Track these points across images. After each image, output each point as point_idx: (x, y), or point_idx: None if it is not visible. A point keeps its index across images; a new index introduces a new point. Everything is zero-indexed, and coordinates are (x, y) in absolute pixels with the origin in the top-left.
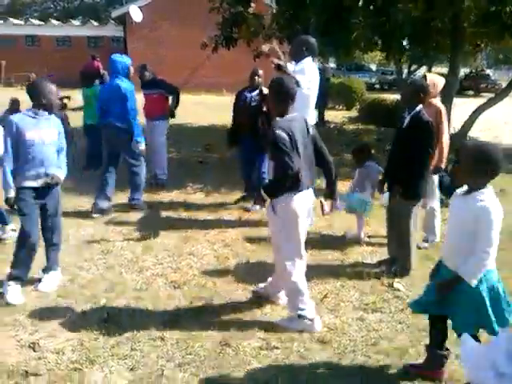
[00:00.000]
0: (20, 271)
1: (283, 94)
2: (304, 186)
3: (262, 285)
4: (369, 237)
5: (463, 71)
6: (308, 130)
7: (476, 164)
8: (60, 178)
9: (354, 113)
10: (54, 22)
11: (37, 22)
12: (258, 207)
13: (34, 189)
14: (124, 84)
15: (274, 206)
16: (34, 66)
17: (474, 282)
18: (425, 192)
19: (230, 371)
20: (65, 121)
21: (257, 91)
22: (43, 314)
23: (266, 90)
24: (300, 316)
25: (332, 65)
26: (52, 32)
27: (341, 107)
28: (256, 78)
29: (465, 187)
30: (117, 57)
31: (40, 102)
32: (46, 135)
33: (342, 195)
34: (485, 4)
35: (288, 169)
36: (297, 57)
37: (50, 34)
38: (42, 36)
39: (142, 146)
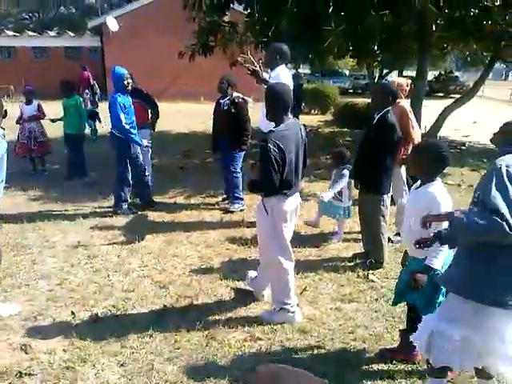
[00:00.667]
0: None
1: (278, 101)
2: (294, 191)
3: (252, 274)
4: (344, 233)
5: (433, 74)
6: (302, 134)
7: (427, 159)
8: None
9: (328, 117)
10: (30, 33)
11: (11, 33)
12: (237, 206)
13: None
14: (115, 97)
15: (266, 206)
16: (11, 78)
17: (437, 266)
18: (387, 188)
19: (217, 362)
20: None
21: (227, 97)
22: (33, 318)
23: (236, 95)
24: (282, 309)
25: (306, 71)
26: (28, 43)
27: (316, 112)
28: (221, 85)
29: (418, 182)
30: (114, 68)
31: None
32: None
33: (321, 201)
34: (448, 9)
35: (270, 181)
36: (271, 64)
37: (26, 45)
38: (19, 47)
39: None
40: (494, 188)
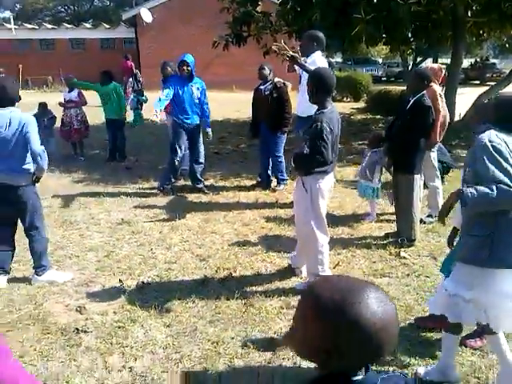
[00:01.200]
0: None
1: (324, 85)
2: (331, 169)
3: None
4: (377, 214)
5: (469, 61)
6: (339, 120)
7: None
8: None
9: (361, 104)
10: (67, 25)
11: (50, 26)
12: (282, 186)
13: None
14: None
15: (305, 183)
16: (49, 69)
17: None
18: (420, 168)
19: (255, 326)
20: None
21: (269, 82)
22: (85, 284)
23: (277, 80)
24: None
25: (338, 59)
26: (66, 35)
27: (348, 99)
28: (262, 71)
29: None
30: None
31: None
32: None
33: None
34: None
35: (323, 158)
36: (307, 51)
37: (64, 37)
38: (57, 39)
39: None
40: (487, 163)
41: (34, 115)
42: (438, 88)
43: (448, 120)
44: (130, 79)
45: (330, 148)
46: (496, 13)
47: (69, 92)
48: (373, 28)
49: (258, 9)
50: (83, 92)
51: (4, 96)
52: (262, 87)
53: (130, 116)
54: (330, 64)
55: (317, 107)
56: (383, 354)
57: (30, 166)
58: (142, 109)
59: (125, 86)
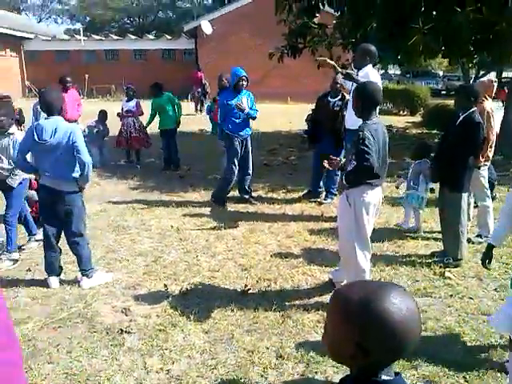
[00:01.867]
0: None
1: (369, 99)
2: (379, 182)
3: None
4: (424, 232)
5: None
6: (385, 131)
7: None
8: None
9: (417, 118)
10: (131, 36)
11: (115, 37)
12: (329, 200)
13: None
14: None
15: (349, 197)
16: (113, 79)
17: None
18: (468, 186)
19: (291, 338)
20: None
21: (339, 97)
22: (132, 287)
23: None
24: None
25: (397, 71)
26: (129, 46)
27: (405, 113)
28: (335, 85)
29: None
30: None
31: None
32: None
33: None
34: None
35: (369, 165)
36: (360, 64)
37: (127, 48)
38: (121, 50)
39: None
40: None
41: (96, 121)
42: (488, 104)
43: (493, 138)
44: (199, 89)
45: (376, 158)
46: None
47: (127, 101)
48: (430, 39)
49: (315, 20)
50: (141, 103)
51: (50, 106)
52: (331, 100)
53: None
54: (389, 76)
55: (362, 120)
56: (407, 349)
57: (77, 174)
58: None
59: (193, 95)
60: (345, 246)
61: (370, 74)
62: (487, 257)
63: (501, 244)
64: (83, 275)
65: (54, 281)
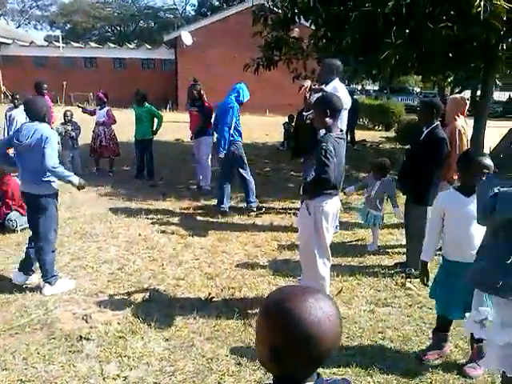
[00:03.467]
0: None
1: (331, 110)
2: (336, 193)
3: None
4: (390, 246)
5: (510, 94)
6: (344, 147)
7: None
8: None
9: (391, 133)
10: (111, 45)
11: (94, 45)
12: None
13: None
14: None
15: (309, 206)
16: (91, 86)
17: None
18: (433, 199)
19: (251, 345)
20: None
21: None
22: (95, 294)
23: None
24: None
25: (375, 87)
26: (108, 54)
27: (380, 128)
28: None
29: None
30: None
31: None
32: None
33: (357, 208)
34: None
35: (328, 177)
36: (326, 78)
37: (106, 56)
38: (100, 58)
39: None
40: None
41: (61, 123)
42: (460, 122)
43: None
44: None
45: (334, 170)
46: None
47: (100, 109)
48: (403, 53)
49: (294, 33)
50: (113, 111)
51: (34, 113)
52: (304, 114)
53: None
54: (351, 92)
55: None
56: (321, 356)
57: (51, 178)
58: None
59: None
60: (305, 254)
61: (338, 87)
62: (423, 274)
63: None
64: (45, 282)
65: (18, 276)
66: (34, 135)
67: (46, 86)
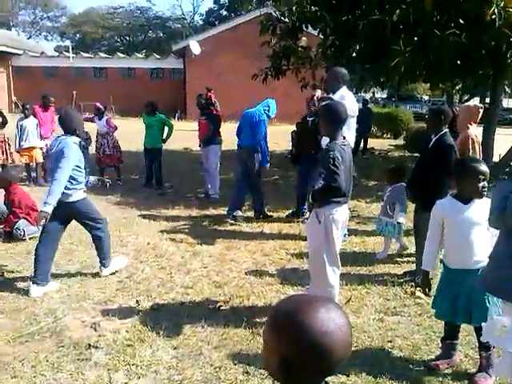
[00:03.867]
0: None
1: (335, 118)
2: (345, 201)
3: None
4: (400, 255)
5: None
6: (351, 154)
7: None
8: None
9: (400, 141)
10: (120, 55)
11: (104, 55)
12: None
13: None
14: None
15: (319, 214)
16: (101, 96)
17: None
18: None
19: (259, 355)
20: None
21: (313, 117)
22: (104, 302)
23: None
24: None
25: (383, 95)
26: (117, 64)
27: (388, 135)
28: (310, 106)
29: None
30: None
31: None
32: None
33: (375, 219)
34: None
35: (338, 185)
36: (333, 87)
37: (115, 66)
38: (109, 68)
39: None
40: None
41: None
42: (473, 130)
43: None
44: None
45: (343, 178)
46: None
47: (99, 119)
48: (411, 61)
49: (299, 43)
50: (111, 119)
51: (64, 126)
52: (308, 119)
53: None
54: (365, 100)
55: (329, 139)
56: (331, 367)
57: (75, 186)
58: None
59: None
60: (315, 262)
61: (345, 95)
62: (424, 284)
63: (434, 268)
64: (102, 265)
65: (35, 290)
66: (57, 147)
67: (52, 99)
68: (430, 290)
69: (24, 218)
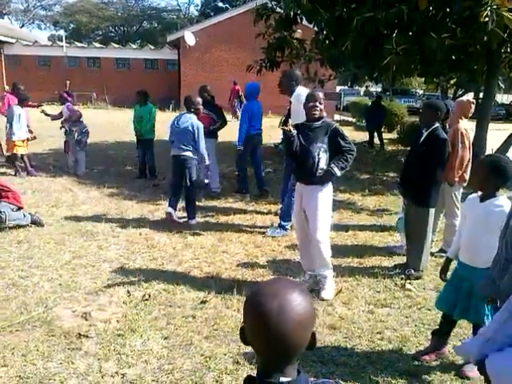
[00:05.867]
0: None
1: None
2: None
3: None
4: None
5: None
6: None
7: (484, 173)
8: None
9: (394, 135)
10: (115, 45)
11: (98, 45)
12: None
13: None
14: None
15: (324, 188)
16: (94, 86)
17: None
18: (435, 201)
19: None
20: None
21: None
22: (95, 292)
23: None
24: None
25: (378, 89)
26: (112, 54)
27: (382, 129)
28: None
29: (476, 194)
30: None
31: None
32: None
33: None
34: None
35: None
36: (289, 88)
37: (110, 56)
38: (103, 58)
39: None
40: None
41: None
42: (463, 124)
43: (467, 159)
44: (235, 100)
45: None
46: None
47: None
48: (404, 59)
49: (294, 35)
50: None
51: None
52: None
53: None
54: (379, 97)
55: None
56: (280, 347)
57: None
58: None
59: (231, 106)
60: (322, 227)
61: (302, 93)
62: (444, 269)
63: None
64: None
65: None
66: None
67: (22, 87)
68: (445, 276)
69: (4, 202)
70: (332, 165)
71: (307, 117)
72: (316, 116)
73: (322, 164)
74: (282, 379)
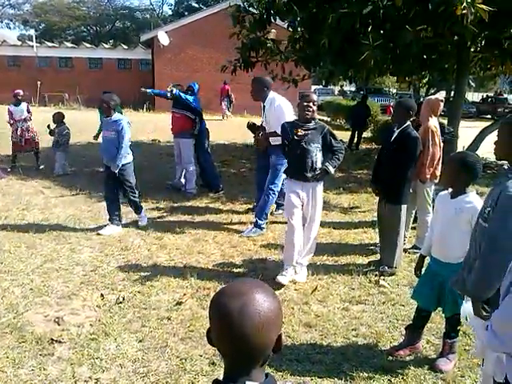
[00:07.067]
0: None
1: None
2: None
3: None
4: (366, 244)
5: (482, 95)
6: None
7: (454, 169)
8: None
9: (368, 133)
10: (87, 45)
11: (70, 44)
12: (280, 211)
13: None
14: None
15: (320, 184)
16: (66, 87)
17: None
18: (407, 198)
19: None
20: None
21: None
22: (67, 296)
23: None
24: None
25: (352, 88)
26: (84, 54)
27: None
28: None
29: (446, 191)
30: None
31: None
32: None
33: None
34: (483, 30)
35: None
36: (260, 95)
37: (82, 56)
38: (75, 58)
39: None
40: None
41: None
42: (433, 122)
43: (438, 156)
44: (226, 99)
45: None
46: (497, 49)
47: (15, 106)
48: (380, 54)
49: (272, 35)
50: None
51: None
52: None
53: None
54: (365, 97)
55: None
56: (251, 351)
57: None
58: None
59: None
60: (318, 221)
61: (275, 98)
62: (419, 266)
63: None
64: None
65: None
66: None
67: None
68: (420, 272)
69: None
70: (327, 164)
71: (299, 116)
72: (308, 116)
73: (319, 163)
74: (248, 383)
